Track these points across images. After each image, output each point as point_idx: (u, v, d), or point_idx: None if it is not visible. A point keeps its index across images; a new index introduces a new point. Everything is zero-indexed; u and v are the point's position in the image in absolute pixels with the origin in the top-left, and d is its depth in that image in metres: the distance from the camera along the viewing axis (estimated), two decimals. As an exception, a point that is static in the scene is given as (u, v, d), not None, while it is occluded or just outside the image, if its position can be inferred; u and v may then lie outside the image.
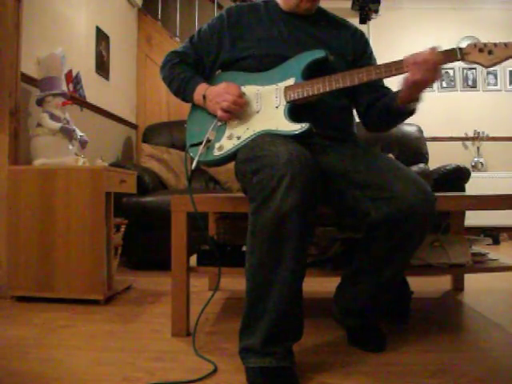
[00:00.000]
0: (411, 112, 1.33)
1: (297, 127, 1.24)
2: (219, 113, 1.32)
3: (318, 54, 1.33)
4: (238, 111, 1.32)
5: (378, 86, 1.44)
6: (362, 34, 1.52)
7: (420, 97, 1.28)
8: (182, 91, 1.46)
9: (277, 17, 1.45)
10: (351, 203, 1.24)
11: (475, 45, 1.18)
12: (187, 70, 1.48)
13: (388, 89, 1.46)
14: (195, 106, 1.48)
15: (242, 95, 1.33)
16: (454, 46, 1.21)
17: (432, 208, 1.17)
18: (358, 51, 1.47)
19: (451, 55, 1.19)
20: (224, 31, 1.46)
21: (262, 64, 1.38)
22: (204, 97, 1.38)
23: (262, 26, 1.45)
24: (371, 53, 1.51)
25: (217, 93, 1.34)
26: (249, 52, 1.41)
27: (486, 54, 1.17)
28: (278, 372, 1.10)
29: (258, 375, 1.10)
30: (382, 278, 1.27)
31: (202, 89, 1.40)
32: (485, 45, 1.18)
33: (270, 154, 1.10)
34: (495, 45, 1.17)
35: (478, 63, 1.18)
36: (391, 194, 1.15)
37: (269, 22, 1.45)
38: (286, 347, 1.14)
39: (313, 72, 1.32)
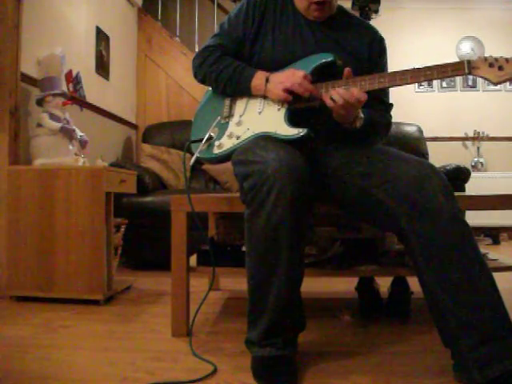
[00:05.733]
0: (358, 131, 1.30)
1: (294, 132, 1.23)
2: (279, 92, 1.26)
3: (326, 57, 1.30)
4: (301, 93, 1.25)
5: (377, 101, 1.39)
6: (381, 41, 1.44)
7: (355, 117, 1.26)
8: (237, 78, 1.35)
9: (299, 13, 1.40)
10: (360, 198, 1.21)
11: (486, 59, 1.10)
12: (237, 61, 1.39)
13: (386, 105, 1.43)
14: (204, 103, 1.47)
15: (308, 78, 1.25)
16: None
17: (439, 174, 1.13)
18: (374, 57, 1.41)
19: (458, 68, 1.12)
20: (255, 16, 1.40)
21: (274, 63, 1.35)
22: (267, 80, 1.30)
23: (287, 19, 1.39)
24: (385, 62, 1.45)
25: (283, 75, 1.27)
26: (264, 50, 1.38)
27: (496, 70, 1.09)
28: (276, 360, 1.15)
29: (259, 363, 1.16)
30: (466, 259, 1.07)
31: (264, 74, 1.32)
32: (496, 59, 1.09)
33: (259, 161, 1.11)
34: (507, 60, 1.09)
35: (486, 79, 1.11)
36: (394, 175, 1.14)
37: (293, 17, 1.39)
38: (286, 338, 1.18)
39: (321, 76, 1.29)
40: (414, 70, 1.18)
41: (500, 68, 1.09)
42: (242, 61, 1.41)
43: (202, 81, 1.46)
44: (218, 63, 1.39)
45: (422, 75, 1.16)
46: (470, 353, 1.02)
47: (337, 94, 1.18)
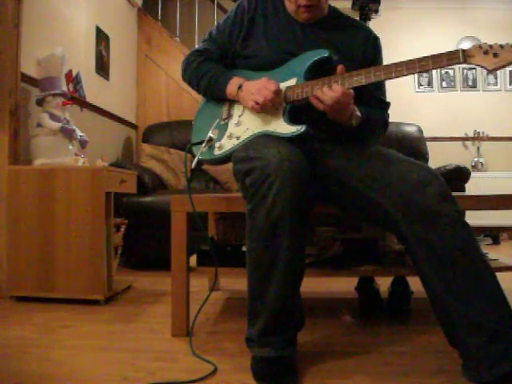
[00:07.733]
0: (355, 129, 1.30)
1: (293, 129, 1.24)
2: (251, 103, 1.28)
3: (322, 53, 1.31)
4: (271, 109, 1.28)
5: (375, 100, 1.40)
6: (375, 39, 1.44)
7: (351, 114, 1.26)
8: (213, 85, 1.39)
9: (291, 16, 1.41)
10: (359, 200, 1.21)
11: (480, 46, 1.09)
12: (216, 66, 1.43)
13: (384, 104, 1.43)
14: (204, 105, 1.48)
15: (279, 92, 1.28)
16: (456, 48, 1.15)
17: (439, 177, 1.13)
18: (369, 56, 1.41)
19: (453, 58, 1.10)
20: (243, 22, 1.42)
21: (270, 63, 1.36)
22: (240, 87, 1.33)
23: (278, 22, 1.40)
24: (381, 61, 1.45)
25: (255, 86, 1.29)
26: (259, 51, 1.39)
27: (491, 57, 1.08)
28: (276, 360, 1.14)
29: (259, 363, 1.15)
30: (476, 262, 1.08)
31: (238, 80, 1.35)
32: (490, 46, 1.08)
33: (261, 156, 1.12)
34: (501, 46, 1.08)
35: (481, 66, 1.09)
36: (393, 179, 1.14)
37: (285, 19, 1.40)
38: (285, 337, 1.18)
39: (317, 72, 1.30)
40: (408, 61, 1.16)
41: (495, 55, 1.08)
42: (229, 64, 1.45)
43: (189, 84, 1.50)
44: (199, 69, 1.44)
45: (417, 66, 1.15)
46: (478, 352, 1.02)
47: (320, 93, 1.21)
